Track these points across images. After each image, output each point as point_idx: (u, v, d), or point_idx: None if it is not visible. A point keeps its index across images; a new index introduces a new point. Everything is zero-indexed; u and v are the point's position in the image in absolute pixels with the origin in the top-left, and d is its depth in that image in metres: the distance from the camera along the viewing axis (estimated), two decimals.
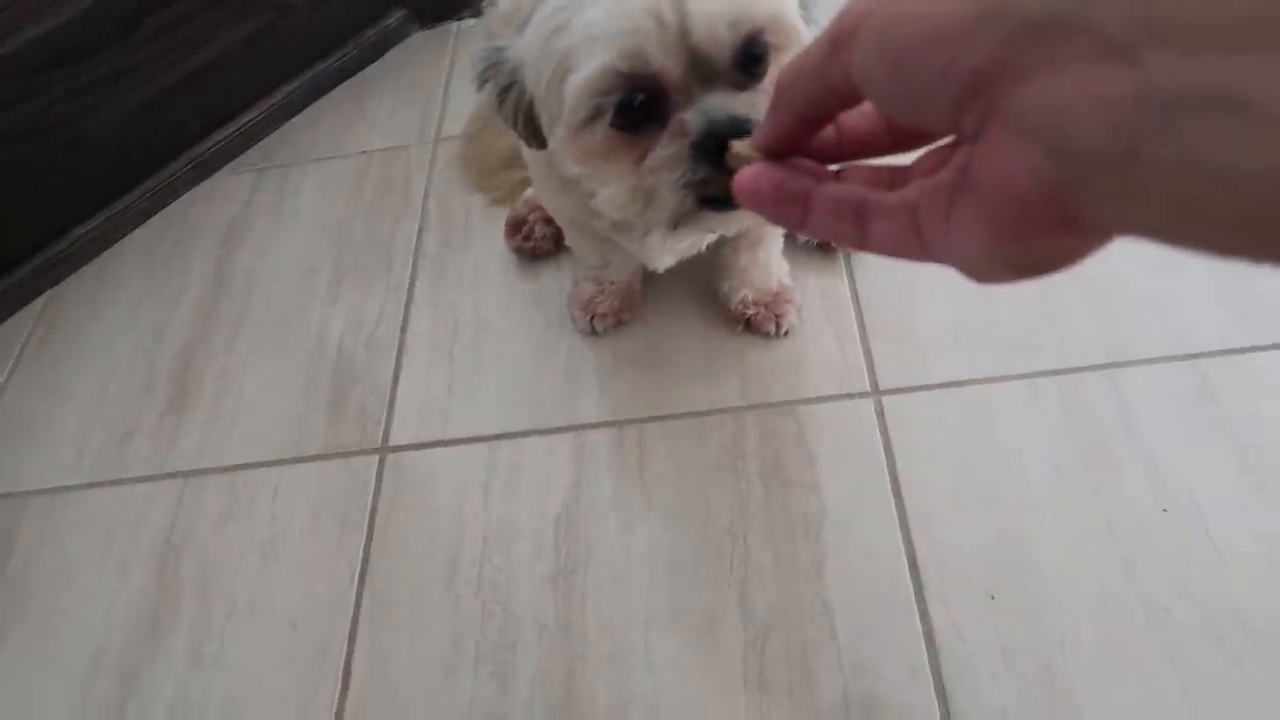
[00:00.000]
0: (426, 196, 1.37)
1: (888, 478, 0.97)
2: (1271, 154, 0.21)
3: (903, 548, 0.92)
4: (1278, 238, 0.23)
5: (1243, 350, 0.99)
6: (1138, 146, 0.24)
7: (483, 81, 0.74)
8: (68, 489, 1.14)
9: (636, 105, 0.65)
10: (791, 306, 1.09)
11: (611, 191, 0.70)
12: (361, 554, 1.02)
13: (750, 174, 0.41)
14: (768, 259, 1.07)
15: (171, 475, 1.12)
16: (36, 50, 1.24)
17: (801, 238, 1.15)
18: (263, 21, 1.47)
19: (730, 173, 0.56)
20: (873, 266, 1.14)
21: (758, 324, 1.09)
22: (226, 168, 1.49)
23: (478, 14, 1.64)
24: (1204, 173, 0.23)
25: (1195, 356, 0.99)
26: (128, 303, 1.33)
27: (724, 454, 1.02)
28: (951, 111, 0.31)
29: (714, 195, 0.66)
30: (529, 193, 1.23)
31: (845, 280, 1.14)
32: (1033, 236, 0.30)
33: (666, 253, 0.96)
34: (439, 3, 1.64)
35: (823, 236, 0.40)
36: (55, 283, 1.37)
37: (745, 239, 1.03)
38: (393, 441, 1.10)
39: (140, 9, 1.32)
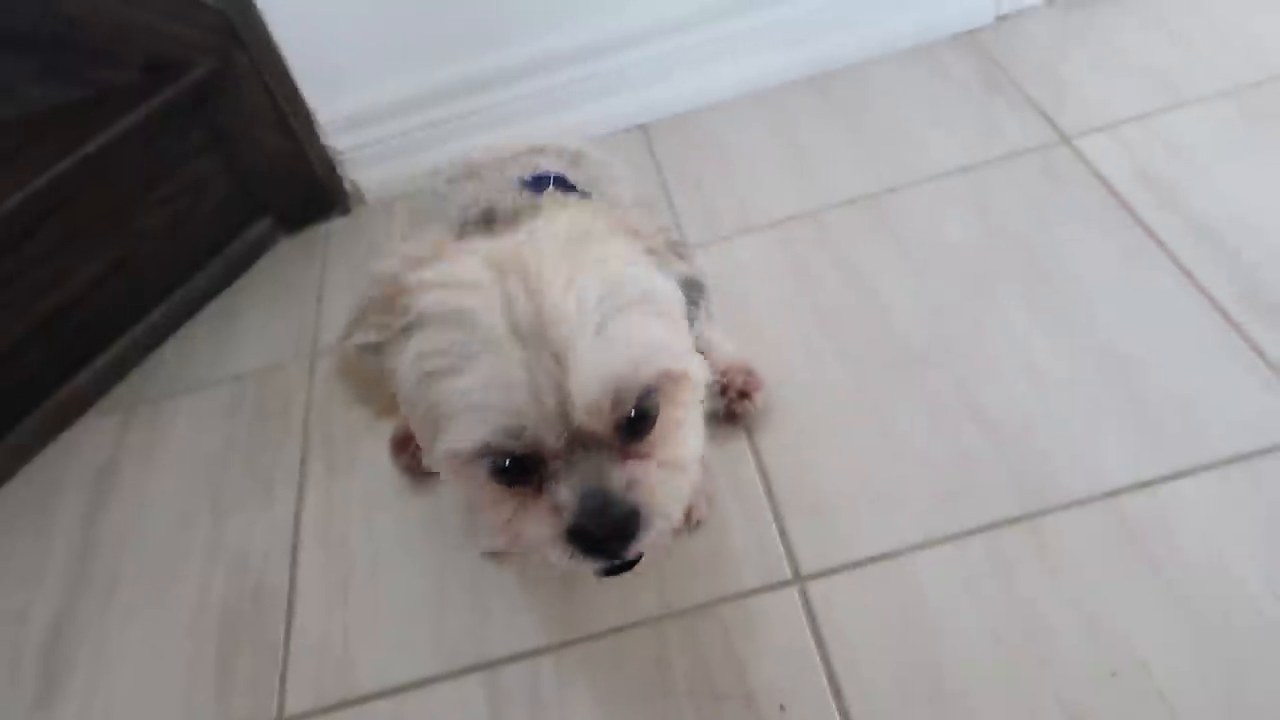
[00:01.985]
0: (307, 417, 1.30)
1: (824, 674, 0.90)
2: None
3: None
4: None
5: (1155, 482, 0.97)
6: None
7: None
8: None
9: (508, 467, 0.62)
10: (700, 497, 1.03)
11: (490, 529, 0.67)
12: None
13: None
14: None
15: None
16: None
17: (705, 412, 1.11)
18: (116, 255, 1.40)
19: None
20: (775, 436, 1.11)
21: None
22: (91, 411, 1.40)
23: (346, 212, 1.62)
24: None
25: (1111, 495, 0.96)
26: None
27: (649, 673, 0.94)
28: None
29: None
30: None
31: (750, 455, 1.10)
32: None
33: None
34: (305, 206, 1.61)
35: None
36: None
37: None
38: (289, 710, 1.00)
39: None
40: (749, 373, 1.11)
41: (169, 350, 1.47)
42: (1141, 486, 0.97)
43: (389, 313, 0.65)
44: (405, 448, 1.16)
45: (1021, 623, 0.90)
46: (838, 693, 0.89)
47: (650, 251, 0.67)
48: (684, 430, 0.66)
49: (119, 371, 1.43)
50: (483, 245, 0.65)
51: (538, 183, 0.81)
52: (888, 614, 0.93)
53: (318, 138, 1.54)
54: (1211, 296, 1.11)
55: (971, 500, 1.00)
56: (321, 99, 1.51)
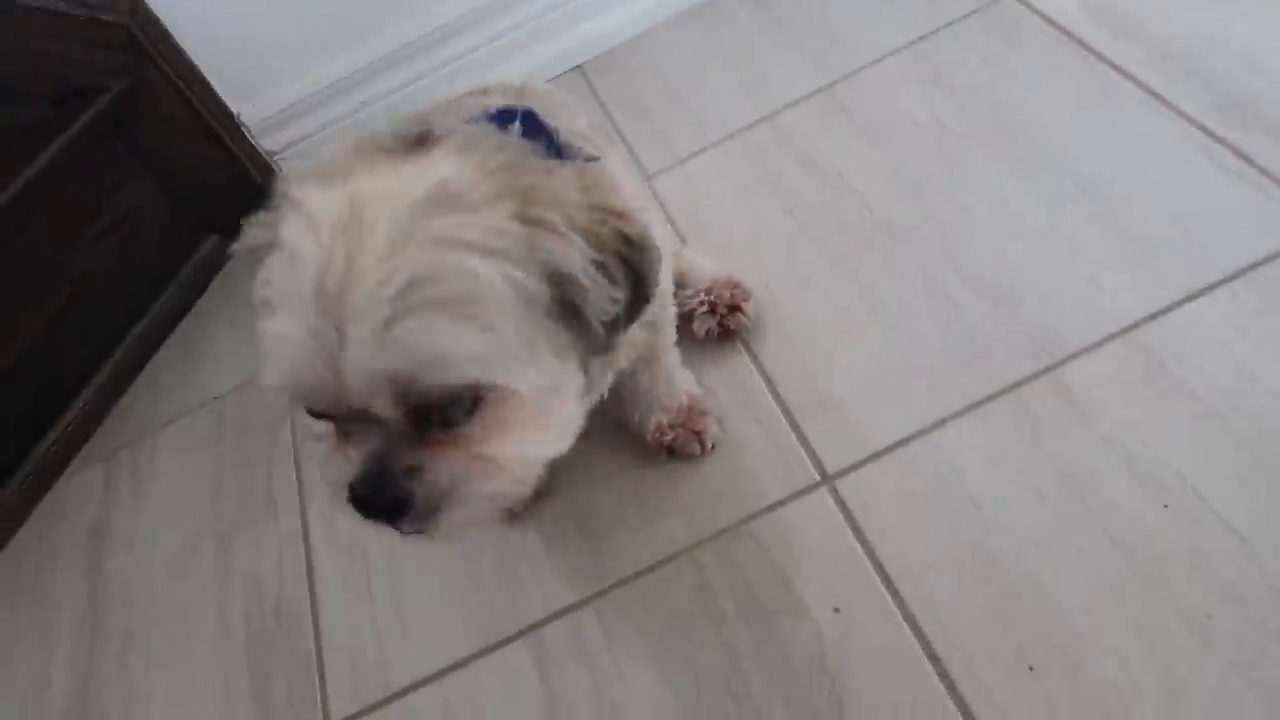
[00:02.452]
0: (294, 424, 1.25)
1: (872, 569, 0.87)
2: None
3: (916, 643, 0.82)
4: None
5: (1168, 308, 0.94)
6: None
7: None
8: None
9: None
10: (710, 418, 1.00)
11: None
12: None
13: None
14: (669, 373, 0.98)
15: None
16: None
17: (699, 334, 1.08)
18: (62, 299, 1.35)
19: None
20: (774, 344, 1.07)
21: (680, 448, 1.00)
22: (72, 465, 1.35)
23: None
24: None
25: (1127, 330, 0.93)
26: None
27: (692, 603, 0.91)
28: None
29: None
30: None
31: (752, 367, 1.06)
32: None
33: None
34: (250, 214, 1.54)
35: None
36: None
37: (638, 359, 0.94)
38: (334, 717, 0.96)
39: None
40: (735, 285, 1.07)
41: (140, 388, 1.42)
42: (1154, 317, 0.94)
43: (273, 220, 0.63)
44: None
45: (1061, 475, 0.87)
46: (889, 582, 0.86)
47: (531, 221, 0.59)
48: (513, 433, 0.62)
49: (93, 420, 1.37)
50: (372, 174, 0.60)
51: (503, 117, 0.74)
52: (924, 495, 0.90)
53: (248, 142, 1.47)
54: (1187, 115, 1.07)
55: (984, 367, 0.96)
56: (243, 102, 1.45)
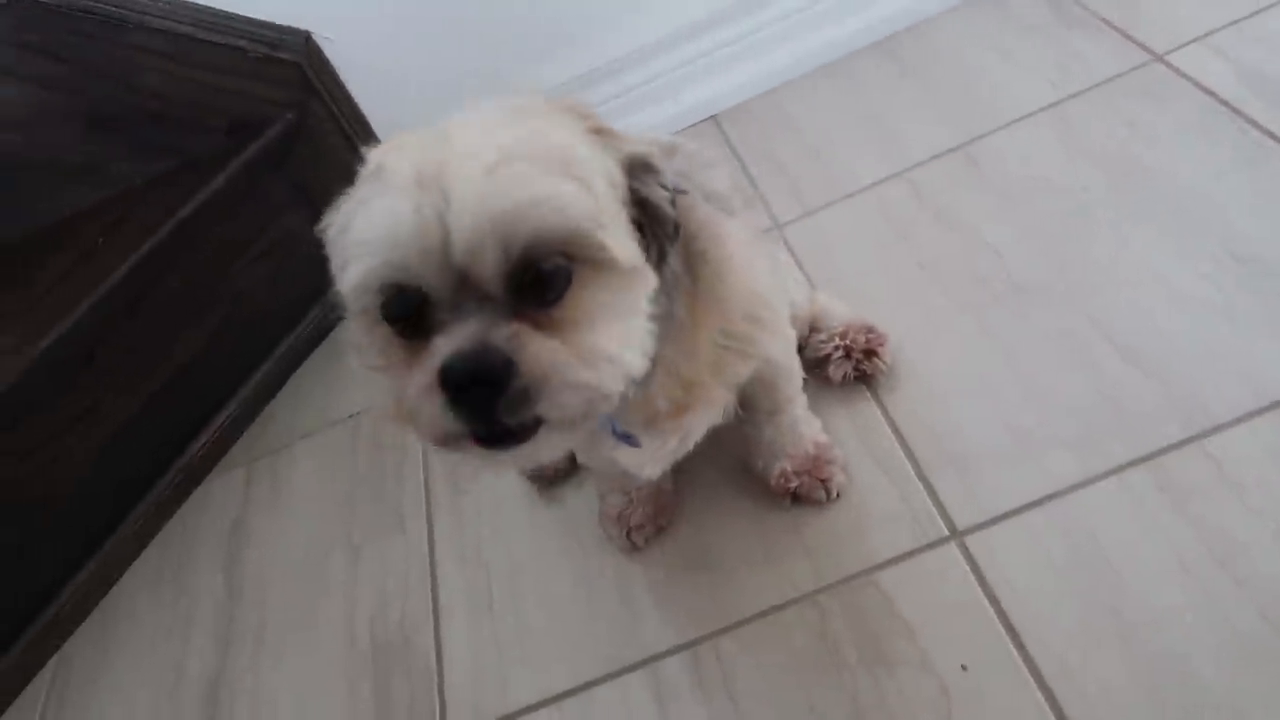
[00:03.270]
0: (427, 444, 1.30)
1: (1002, 629, 0.86)
2: None
3: (1049, 710, 0.80)
4: None
5: None
6: None
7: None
8: None
9: (408, 312, 0.59)
10: (835, 466, 1.00)
11: (381, 400, 0.63)
12: None
13: None
14: (793, 423, 0.99)
15: None
16: None
17: (835, 379, 1.09)
18: (221, 315, 1.44)
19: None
20: (903, 394, 1.07)
21: (805, 495, 1.00)
22: (216, 469, 1.43)
23: None
24: None
25: None
26: (140, 644, 1.23)
27: (814, 648, 0.91)
28: None
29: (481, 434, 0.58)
30: None
31: (881, 415, 1.06)
32: None
33: (649, 462, 0.85)
34: None
35: None
36: (59, 645, 1.27)
37: (760, 412, 0.96)
38: None
39: (90, 341, 1.27)
40: (870, 329, 1.07)
41: (281, 401, 1.50)
42: None
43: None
44: None
45: (1208, 545, 0.84)
46: (1020, 644, 0.84)
47: (595, 130, 0.64)
48: (607, 320, 0.60)
49: (237, 428, 1.46)
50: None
51: None
52: (1058, 558, 0.88)
53: None
54: None
55: (1127, 430, 0.94)
56: None
